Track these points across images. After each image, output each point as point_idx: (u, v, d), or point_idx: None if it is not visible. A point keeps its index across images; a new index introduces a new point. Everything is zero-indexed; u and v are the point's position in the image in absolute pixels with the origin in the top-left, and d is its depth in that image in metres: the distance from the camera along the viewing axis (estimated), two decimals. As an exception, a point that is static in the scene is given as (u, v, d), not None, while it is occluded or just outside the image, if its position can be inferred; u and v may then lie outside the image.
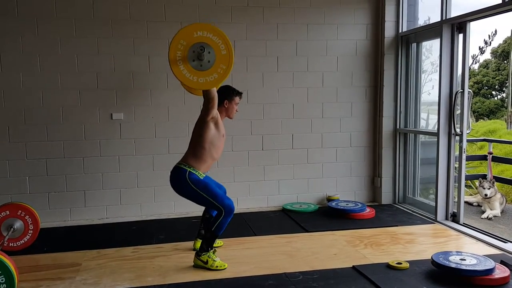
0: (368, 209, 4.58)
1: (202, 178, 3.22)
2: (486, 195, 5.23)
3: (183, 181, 3.18)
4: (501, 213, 5.27)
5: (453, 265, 2.96)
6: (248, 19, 4.72)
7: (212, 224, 3.20)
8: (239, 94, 3.49)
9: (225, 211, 3.16)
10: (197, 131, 3.29)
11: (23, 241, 3.66)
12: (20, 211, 3.66)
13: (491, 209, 5.23)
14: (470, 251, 3.32)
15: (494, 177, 5.67)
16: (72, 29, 4.36)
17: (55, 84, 4.37)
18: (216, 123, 3.27)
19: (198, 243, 3.46)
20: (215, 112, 3.20)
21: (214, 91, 3.12)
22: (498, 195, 5.34)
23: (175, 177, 3.24)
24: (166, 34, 4.52)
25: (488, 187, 5.26)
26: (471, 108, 4.46)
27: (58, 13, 4.32)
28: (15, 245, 3.63)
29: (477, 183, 5.54)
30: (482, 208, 5.37)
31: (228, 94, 3.41)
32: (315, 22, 4.89)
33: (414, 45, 4.93)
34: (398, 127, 5.03)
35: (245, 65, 4.74)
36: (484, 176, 5.67)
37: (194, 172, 3.20)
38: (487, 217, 5.10)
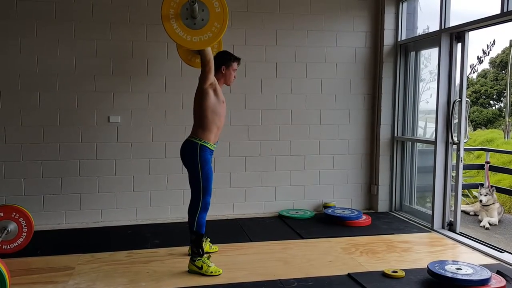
0: (364, 217, 4.57)
1: (210, 158, 3.24)
2: (481, 201, 5.24)
3: (194, 153, 3.17)
4: (498, 222, 5.26)
5: (449, 275, 2.95)
6: (247, 25, 4.72)
7: (191, 224, 3.23)
8: (237, 59, 3.39)
9: (201, 205, 3.21)
10: (197, 102, 3.24)
11: (16, 244, 3.63)
12: (14, 213, 3.64)
13: (488, 217, 5.22)
14: (466, 261, 3.31)
15: (491, 186, 5.66)
16: (70, 31, 4.35)
17: (52, 86, 4.36)
18: (215, 89, 3.20)
19: (193, 249, 3.44)
20: (212, 77, 3.13)
21: (210, 53, 3.05)
22: (497, 205, 5.33)
23: (187, 148, 3.23)
24: (165, 38, 4.46)
25: (485, 193, 5.25)
26: (468, 117, 4.47)
27: (57, 15, 4.32)
28: (8, 247, 3.60)
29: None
30: (479, 217, 5.37)
31: (225, 59, 3.33)
32: (315, 28, 4.90)
33: (412, 53, 4.94)
34: (395, 135, 5.03)
35: (244, 70, 4.73)
36: (482, 185, 5.67)
37: (205, 145, 3.20)
38: (485, 225, 5.09)
